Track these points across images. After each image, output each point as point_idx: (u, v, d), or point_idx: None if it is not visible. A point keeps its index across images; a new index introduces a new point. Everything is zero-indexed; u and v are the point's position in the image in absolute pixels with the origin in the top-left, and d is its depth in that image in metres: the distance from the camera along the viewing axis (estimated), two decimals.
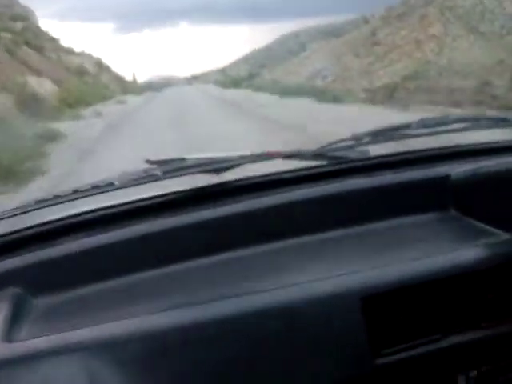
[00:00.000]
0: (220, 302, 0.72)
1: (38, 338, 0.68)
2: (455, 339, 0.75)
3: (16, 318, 0.73)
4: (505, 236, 0.83)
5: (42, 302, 0.79)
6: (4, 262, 0.83)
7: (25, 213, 0.90)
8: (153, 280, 0.83)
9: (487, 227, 0.87)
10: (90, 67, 36.12)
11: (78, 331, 0.68)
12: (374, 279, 0.75)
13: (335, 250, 0.87)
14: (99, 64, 42.05)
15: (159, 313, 0.70)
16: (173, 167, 0.93)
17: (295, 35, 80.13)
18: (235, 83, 44.01)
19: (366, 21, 46.95)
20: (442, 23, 21.66)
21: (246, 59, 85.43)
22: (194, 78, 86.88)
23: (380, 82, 16.87)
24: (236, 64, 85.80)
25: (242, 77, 47.53)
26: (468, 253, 0.80)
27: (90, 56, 41.65)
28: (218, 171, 0.94)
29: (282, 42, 79.34)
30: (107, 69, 47.06)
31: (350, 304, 0.73)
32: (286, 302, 0.72)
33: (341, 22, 74.10)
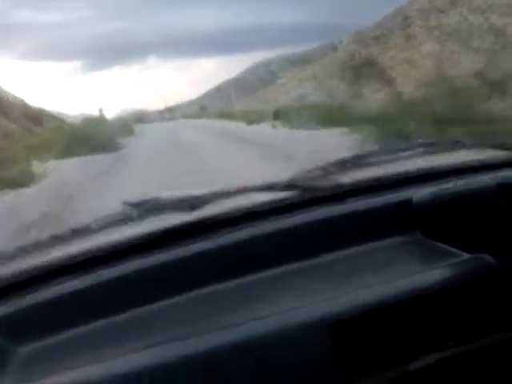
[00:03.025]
0: (191, 339, 0.74)
1: None
2: (422, 361, 0.77)
3: None
4: (465, 256, 0.86)
5: (25, 348, 0.80)
6: None
7: (3, 263, 0.91)
8: (130, 321, 0.84)
9: (450, 248, 0.89)
10: None
11: (60, 376, 0.70)
12: (339, 306, 0.77)
13: (304, 279, 0.89)
14: None
15: (136, 353, 0.73)
16: (148, 207, 0.96)
17: (265, 64, 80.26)
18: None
19: (334, 47, 46.97)
20: (434, 41, 20.88)
21: (217, 90, 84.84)
22: (170, 111, 66.31)
23: (384, 105, 15.60)
24: (207, 95, 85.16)
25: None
26: (430, 274, 0.83)
27: None
28: (192, 208, 0.97)
29: (253, 71, 79.20)
30: None
31: (317, 333, 0.74)
32: (254, 335, 0.74)
33: (309, 50, 74.72)
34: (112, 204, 1.05)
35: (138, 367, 0.70)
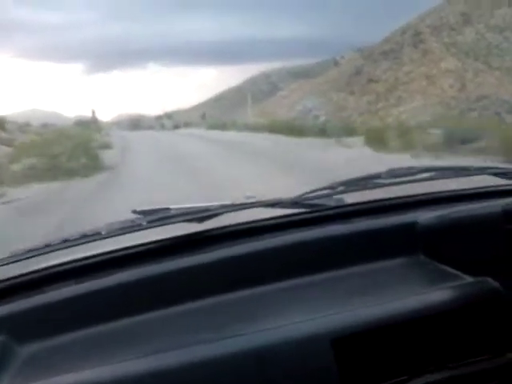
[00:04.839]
0: (195, 347, 0.74)
1: None
2: (422, 380, 0.78)
3: (0, 365, 0.74)
4: (469, 279, 0.86)
5: (26, 349, 0.80)
6: None
7: (15, 262, 0.91)
8: (134, 326, 0.84)
9: (453, 271, 0.90)
10: None
11: (60, 377, 0.70)
12: (343, 322, 0.77)
13: (309, 294, 0.89)
14: None
15: (138, 359, 0.72)
16: (157, 217, 0.96)
17: (266, 76, 79.56)
18: None
19: (335, 62, 46.18)
20: (455, 58, 19.86)
21: (216, 99, 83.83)
22: (168, 117, 55.91)
23: (403, 123, 14.40)
24: (206, 104, 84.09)
25: None
26: (434, 295, 0.83)
27: None
28: (200, 220, 0.96)
29: (253, 82, 78.44)
30: None
31: (320, 346, 0.74)
32: (258, 346, 0.74)
33: (310, 64, 74.41)
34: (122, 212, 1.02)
35: (139, 373, 0.69)
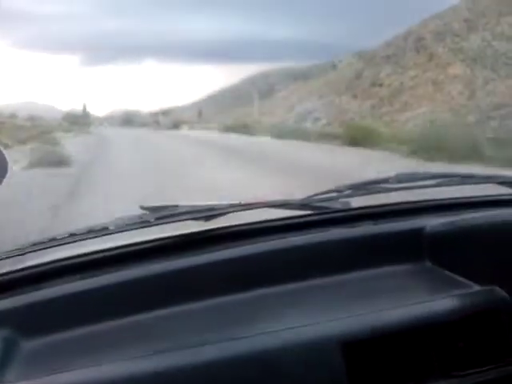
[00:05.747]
0: (197, 348, 0.73)
1: (24, 381, 0.70)
2: None
3: (4, 359, 0.74)
4: (476, 288, 0.86)
5: (30, 344, 0.80)
6: None
7: (20, 255, 0.91)
8: (139, 324, 0.84)
9: (460, 279, 0.90)
10: None
11: (64, 374, 0.70)
12: (353, 326, 0.77)
13: (315, 298, 0.90)
14: None
15: (142, 358, 0.73)
16: (165, 214, 0.97)
17: (264, 76, 79.06)
18: None
19: (333, 65, 45.78)
20: (463, 64, 19.39)
21: (213, 98, 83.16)
22: (164, 114, 50.78)
23: (411, 130, 13.86)
24: (202, 103, 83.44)
25: None
26: (441, 303, 0.83)
27: None
28: (207, 218, 0.97)
29: (251, 82, 77.80)
30: None
31: (330, 350, 0.74)
32: (265, 348, 0.74)
33: (308, 66, 73.98)
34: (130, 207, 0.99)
35: (139, 373, 0.69)
